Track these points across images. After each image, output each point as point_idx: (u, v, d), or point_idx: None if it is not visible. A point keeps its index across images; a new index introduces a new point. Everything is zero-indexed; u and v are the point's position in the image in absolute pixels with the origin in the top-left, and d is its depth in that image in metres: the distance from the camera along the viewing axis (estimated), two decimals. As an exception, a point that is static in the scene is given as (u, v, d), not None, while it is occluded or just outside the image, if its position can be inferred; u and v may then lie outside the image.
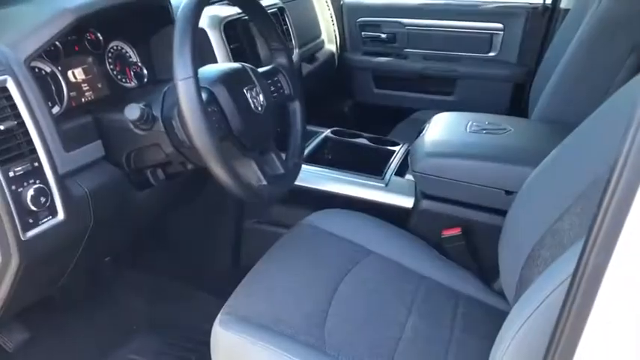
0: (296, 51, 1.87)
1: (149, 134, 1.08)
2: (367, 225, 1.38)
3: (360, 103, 2.61)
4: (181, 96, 0.91)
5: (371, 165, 1.60)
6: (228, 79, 1.06)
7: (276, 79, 1.24)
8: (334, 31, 2.46)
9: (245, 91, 1.09)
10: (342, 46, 2.53)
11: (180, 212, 1.59)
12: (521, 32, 2.26)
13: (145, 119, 1.02)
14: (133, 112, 1.00)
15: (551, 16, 2.19)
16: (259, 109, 1.12)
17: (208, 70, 1.08)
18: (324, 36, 2.35)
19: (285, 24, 1.82)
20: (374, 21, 2.47)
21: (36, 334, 1.33)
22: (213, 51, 1.42)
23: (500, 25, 2.29)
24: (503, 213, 1.22)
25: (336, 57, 2.45)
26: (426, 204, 1.43)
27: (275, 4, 1.76)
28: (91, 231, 1.08)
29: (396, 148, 1.71)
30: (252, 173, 1.09)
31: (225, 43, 1.44)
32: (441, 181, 1.38)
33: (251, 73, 1.14)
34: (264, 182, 1.09)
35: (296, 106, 1.28)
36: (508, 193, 1.32)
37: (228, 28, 1.47)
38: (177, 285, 1.67)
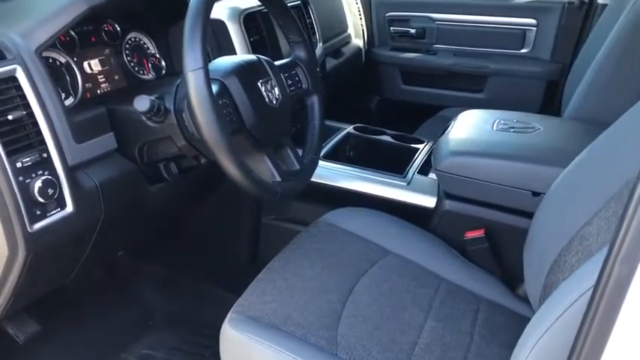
0: (320, 45, 1.83)
1: (161, 127, 1.05)
2: (387, 224, 1.34)
3: (387, 99, 2.56)
4: (190, 87, 0.89)
5: (393, 163, 1.55)
6: (241, 70, 1.03)
7: (293, 72, 1.20)
8: (362, 25, 2.41)
9: (259, 84, 1.06)
10: (369, 42, 2.48)
11: (196, 206, 1.56)
12: (555, 28, 2.17)
13: (155, 111, 1.00)
14: (142, 103, 0.97)
15: (587, 11, 2.10)
16: (274, 102, 1.08)
17: (221, 62, 1.05)
18: (350, 30, 2.30)
19: (309, 17, 1.78)
20: (403, 16, 2.42)
21: (48, 327, 1.32)
22: (232, 44, 1.39)
23: (533, 21, 2.21)
24: (529, 215, 1.17)
25: (363, 52, 2.41)
26: (448, 204, 1.37)
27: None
28: (102, 224, 1.06)
29: (420, 146, 1.66)
30: (266, 169, 1.05)
31: (245, 35, 1.41)
32: (465, 180, 1.32)
33: (266, 65, 1.10)
34: (278, 178, 1.06)
35: (314, 101, 1.24)
36: (535, 194, 1.26)
37: (248, 20, 1.44)
38: (193, 280, 1.66)
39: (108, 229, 1.08)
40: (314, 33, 1.81)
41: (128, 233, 1.29)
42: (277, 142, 1.13)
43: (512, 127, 1.43)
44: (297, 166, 1.15)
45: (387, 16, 2.44)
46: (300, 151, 1.20)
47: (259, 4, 1.45)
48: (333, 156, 1.58)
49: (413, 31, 2.40)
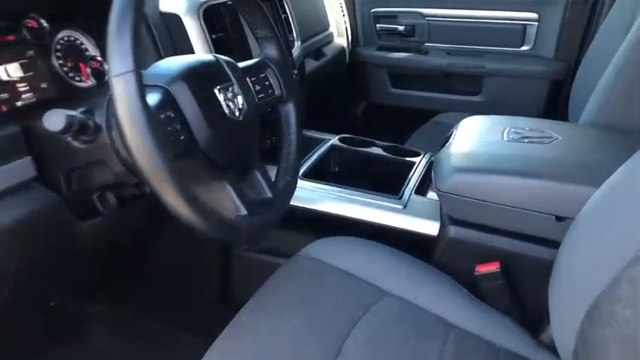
0: (297, 44, 1.60)
1: (92, 148, 0.82)
2: (381, 257, 1.11)
3: (374, 104, 2.33)
4: (116, 97, 0.65)
5: (386, 181, 1.32)
6: (192, 74, 0.80)
7: (263, 75, 0.97)
8: (345, 23, 2.19)
9: (217, 91, 0.82)
10: (353, 40, 2.26)
11: (150, 241, 1.32)
12: (559, 23, 1.96)
13: (78, 129, 0.76)
14: (54, 120, 0.73)
15: (594, 3, 1.90)
16: (237, 114, 0.85)
17: (165, 65, 0.82)
18: (332, 29, 2.07)
19: (285, 12, 1.55)
20: (390, 12, 2.19)
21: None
22: (189, 43, 1.15)
23: (534, 15, 2.00)
24: (554, 244, 0.97)
25: (346, 52, 2.18)
26: (454, 231, 1.14)
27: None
28: (17, 275, 0.82)
29: (416, 160, 1.43)
30: (227, 201, 0.82)
31: (206, 32, 1.17)
32: (473, 202, 1.09)
33: (227, 67, 0.87)
34: (244, 212, 0.82)
35: (289, 110, 1.01)
36: (560, 219, 1.04)
37: (210, 14, 1.20)
38: (157, 324, 1.41)
39: (27, 279, 0.84)
40: (290, 30, 1.58)
41: (57, 282, 1.04)
42: (242, 164, 0.89)
43: (526, 137, 1.21)
44: (269, 194, 0.91)
45: (373, 13, 2.22)
46: (273, 173, 0.96)
47: (223, -7, 1.22)
48: (315, 174, 1.35)
49: (401, 28, 2.18)
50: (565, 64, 1.98)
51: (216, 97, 0.82)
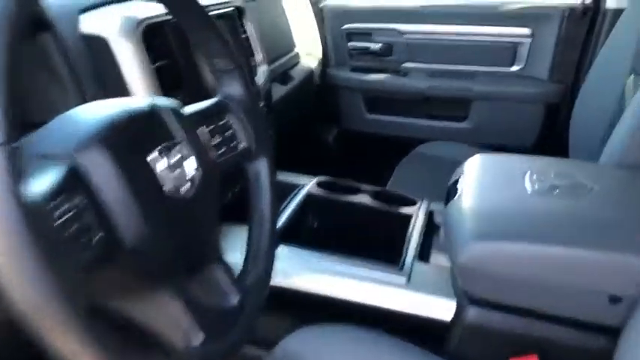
0: (263, 68, 1.33)
1: None
2: (379, 352, 0.84)
3: (349, 131, 2.07)
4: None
5: (379, 242, 1.06)
6: (114, 135, 0.52)
7: (223, 122, 0.70)
8: (314, 40, 1.93)
9: (155, 157, 0.55)
10: (324, 61, 2.00)
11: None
12: (554, 40, 1.75)
13: None
14: None
15: (593, 18, 1.69)
16: (184, 189, 0.57)
17: (73, 120, 0.53)
18: (300, 48, 1.81)
19: (245, 32, 1.28)
20: (364, 28, 1.95)
21: None
22: (121, 76, 0.86)
23: (527, 31, 1.78)
24: (608, 331, 0.77)
25: (315, 75, 1.92)
26: (475, 314, 0.89)
27: (229, 2, 1.22)
28: None
29: (412, 210, 1.17)
30: (171, 324, 0.54)
31: (147, 60, 0.89)
32: (500, 278, 0.84)
33: (169, 117, 0.59)
34: (199, 338, 0.54)
35: (260, 169, 0.74)
36: (615, 299, 0.80)
37: (152, 35, 0.91)
38: None
39: None
40: (253, 53, 1.30)
41: None
42: (193, 259, 0.61)
43: (555, 186, 0.96)
44: (234, 299, 0.63)
45: (345, 30, 1.96)
46: (241, 234, 0.69)
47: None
48: (289, 233, 1.08)
49: (377, 47, 1.93)
50: (561, 85, 1.77)
51: (152, 168, 0.54)
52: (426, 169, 1.64)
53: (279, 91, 1.56)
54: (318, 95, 1.97)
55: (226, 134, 0.69)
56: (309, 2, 1.91)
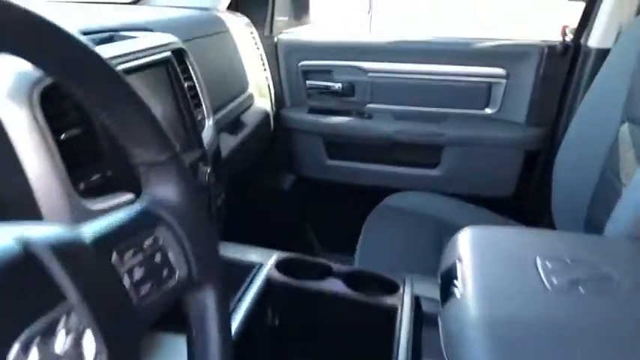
0: (209, 123, 1.10)
1: None
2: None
3: (308, 179, 1.86)
4: None
5: (359, 343, 0.84)
6: None
7: (150, 242, 0.47)
8: (267, 79, 1.71)
9: (22, 348, 0.31)
10: (278, 101, 1.78)
11: None
12: (532, 80, 1.60)
13: None
14: None
15: (574, 58, 1.55)
16: None
17: None
18: (252, 89, 1.59)
19: (189, 79, 1.05)
20: (322, 65, 1.75)
21: None
22: (16, 159, 0.62)
23: (502, 71, 1.62)
24: None
25: (271, 117, 1.70)
26: None
27: (167, 45, 0.99)
28: None
29: (397, 300, 0.96)
30: None
31: (47, 132, 0.65)
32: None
33: (50, 262, 0.36)
34: None
35: (205, 304, 0.51)
36: None
37: (57, 97, 0.68)
38: None
39: None
40: (199, 104, 1.07)
41: None
42: None
43: (577, 281, 0.77)
44: None
45: (301, 67, 1.76)
46: None
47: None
48: (243, 335, 0.84)
49: (337, 86, 1.73)
50: (540, 130, 1.62)
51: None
52: (397, 226, 1.45)
53: (228, 142, 1.33)
54: (272, 140, 1.75)
55: (154, 261, 0.46)
56: (260, 37, 1.69)
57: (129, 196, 0.75)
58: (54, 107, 0.67)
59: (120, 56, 0.84)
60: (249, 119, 1.52)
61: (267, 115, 1.65)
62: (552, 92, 1.60)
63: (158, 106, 0.91)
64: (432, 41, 1.69)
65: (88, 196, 0.70)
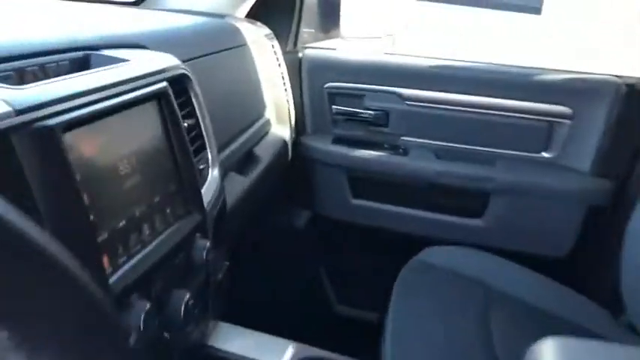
0: (213, 174, 0.84)
1: None
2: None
3: (325, 218, 1.60)
4: None
5: None
6: None
7: None
8: (287, 102, 1.46)
9: None
10: (297, 126, 1.53)
11: None
12: (602, 123, 1.34)
13: None
14: None
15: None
16: None
17: None
18: (269, 112, 1.34)
19: (191, 116, 0.80)
20: (353, 88, 1.49)
21: None
22: None
23: (566, 110, 1.36)
24: None
25: (289, 144, 1.45)
26: None
27: (162, 73, 0.74)
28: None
29: None
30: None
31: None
32: None
33: None
34: None
35: None
36: None
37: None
38: None
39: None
40: (201, 148, 0.82)
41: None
42: None
43: None
44: None
45: (328, 89, 1.50)
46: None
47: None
48: None
49: (368, 113, 1.48)
50: (608, 182, 1.36)
51: None
52: (436, 291, 1.20)
53: (236, 186, 1.07)
54: (288, 170, 1.50)
55: None
56: (282, 52, 1.44)
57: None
58: None
59: (90, 91, 0.59)
60: (264, 151, 1.26)
61: (284, 143, 1.40)
62: (626, 138, 1.34)
63: (142, 156, 0.66)
64: (485, 68, 1.42)
65: None
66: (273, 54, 1.40)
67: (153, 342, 0.66)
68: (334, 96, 1.51)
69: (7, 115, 0.50)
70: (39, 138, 0.53)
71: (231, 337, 0.92)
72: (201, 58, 1.00)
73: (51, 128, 0.54)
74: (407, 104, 1.45)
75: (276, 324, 1.14)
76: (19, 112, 0.52)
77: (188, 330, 0.77)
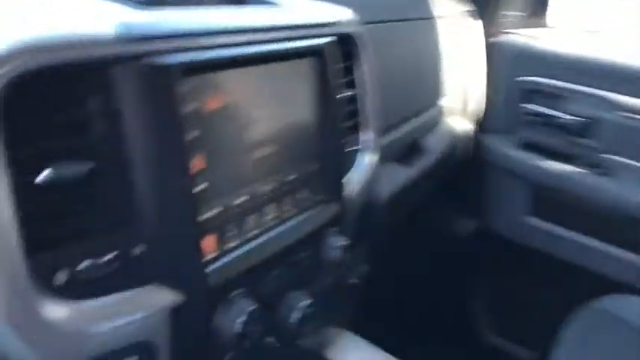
0: (364, 160, 0.70)
1: None
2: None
3: (491, 233, 1.38)
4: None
5: None
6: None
7: None
8: (474, 93, 1.26)
9: None
10: (478, 122, 1.32)
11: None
12: None
13: None
14: None
15: None
16: None
17: None
18: (446, 100, 1.16)
19: (352, 85, 0.66)
20: (552, 86, 1.24)
21: None
22: None
23: None
24: None
25: (465, 142, 1.25)
26: None
27: (334, 26, 0.61)
28: None
29: None
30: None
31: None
32: None
33: None
34: None
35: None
36: None
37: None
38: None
39: None
40: (356, 127, 0.68)
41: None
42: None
43: None
44: None
45: (521, 83, 1.27)
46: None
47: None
48: None
49: (569, 119, 1.22)
50: None
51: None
52: (617, 351, 0.95)
53: (394, 179, 0.92)
54: (456, 169, 1.30)
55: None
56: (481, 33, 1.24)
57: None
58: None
59: (245, 30, 0.48)
60: (433, 145, 1.09)
61: (459, 139, 1.21)
62: None
63: (278, 124, 0.54)
64: None
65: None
66: (470, 35, 1.20)
67: (253, 350, 0.53)
68: (528, 93, 1.27)
69: (110, 41, 0.40)
70: (147, 77, 0.42)
71: (352, 352, 0.78)
72: (380, 24, 0.85)
73: (166, 67, 0.43)
74: (619, 114, 1.17)
75: (409, 343, 0.99)
76: (128, 40, 0.41)
77: (301, 340, 0.64)
